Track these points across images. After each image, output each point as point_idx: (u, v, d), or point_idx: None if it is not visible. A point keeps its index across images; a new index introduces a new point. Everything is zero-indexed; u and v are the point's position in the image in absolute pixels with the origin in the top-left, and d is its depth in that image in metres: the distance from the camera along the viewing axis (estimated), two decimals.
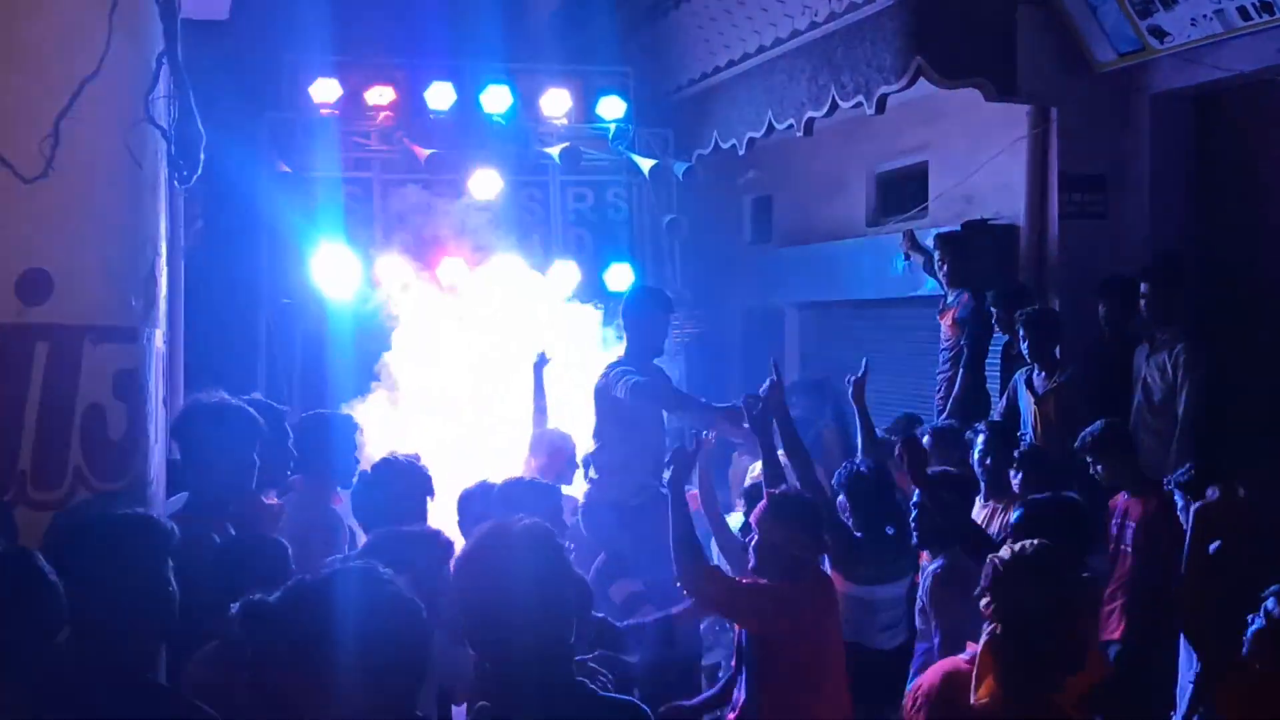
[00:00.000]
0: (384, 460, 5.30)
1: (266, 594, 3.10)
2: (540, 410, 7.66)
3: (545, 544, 3.13)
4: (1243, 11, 6.81)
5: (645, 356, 6.77)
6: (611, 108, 11.05)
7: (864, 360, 6.58)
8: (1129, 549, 6.12)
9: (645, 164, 10.69)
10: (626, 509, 6.51)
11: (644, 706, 3.28)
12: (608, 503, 6.61)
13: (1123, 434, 6.45)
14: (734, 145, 10.48)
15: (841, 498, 5.87)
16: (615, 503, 6.56)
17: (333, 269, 9.73)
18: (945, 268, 8.49)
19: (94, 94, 4.07)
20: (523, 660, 3.04)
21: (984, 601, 3.53)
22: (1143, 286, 7.27)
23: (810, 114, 9.18)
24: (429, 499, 5.18)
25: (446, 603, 3.48)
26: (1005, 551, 3.61)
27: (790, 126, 9.49)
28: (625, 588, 6.25)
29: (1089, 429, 6.34)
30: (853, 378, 6.51)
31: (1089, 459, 6.30)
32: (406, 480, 5.15)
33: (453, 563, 3.38)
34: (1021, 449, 6.45)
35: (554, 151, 10.51)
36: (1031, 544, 3.59)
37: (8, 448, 4.00)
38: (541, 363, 7.75)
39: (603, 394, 6.72)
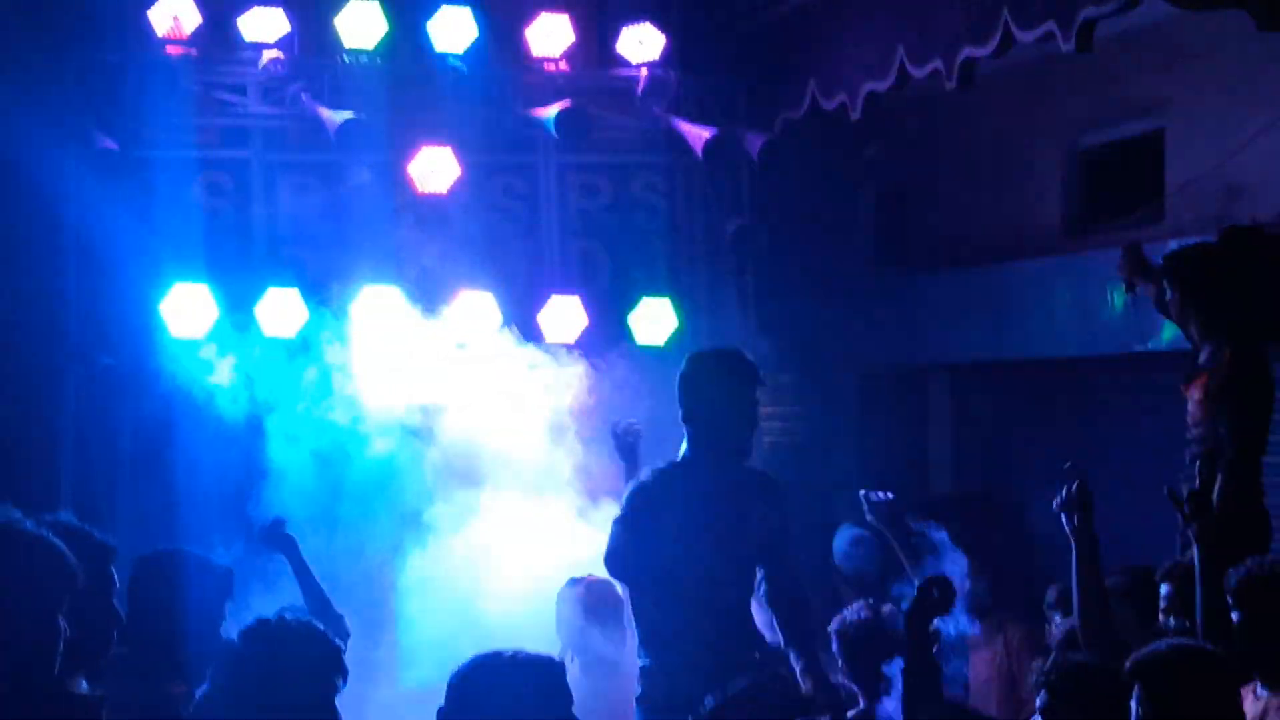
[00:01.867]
0: (260, 623, 5.30)
1: None
2: None
3: None
4: None
5: (719, 459, 7.00)
6: (641, 43, 11.13)
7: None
8: None
9: (698, 136, 10.72)
10: None
11: None
12: None
13: None
14: (843, 105, 10.48)
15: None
16: None
17: (187, 311, 9.84)
18: (1177, 304, 8.44)
19: None
20: None
21: None
22: None
23: (969, 52, 9.17)
24: (338, 684, 5.18)
25: None
26: None
27: (936, 73, 9.48)
28: None
29: None
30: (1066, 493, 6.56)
31: None
32: (296, 655, 5.14)
33: None
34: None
35: (548, 115, 10.56)
36: None
37: None
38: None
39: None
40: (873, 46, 10.10)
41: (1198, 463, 8.24)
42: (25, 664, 4.64)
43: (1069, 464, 6.73)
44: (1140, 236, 9.49)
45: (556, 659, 5.96)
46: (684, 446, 7.14)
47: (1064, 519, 6.72)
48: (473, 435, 9.74)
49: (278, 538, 7.94)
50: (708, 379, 7.08)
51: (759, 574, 7.23)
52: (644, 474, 7.20)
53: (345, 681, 5.23)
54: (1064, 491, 6.76)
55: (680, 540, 6.65)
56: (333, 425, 9.66)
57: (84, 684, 5.44)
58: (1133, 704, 5.33)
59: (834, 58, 10.55)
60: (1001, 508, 10.40)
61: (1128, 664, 5.55)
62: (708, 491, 6.80)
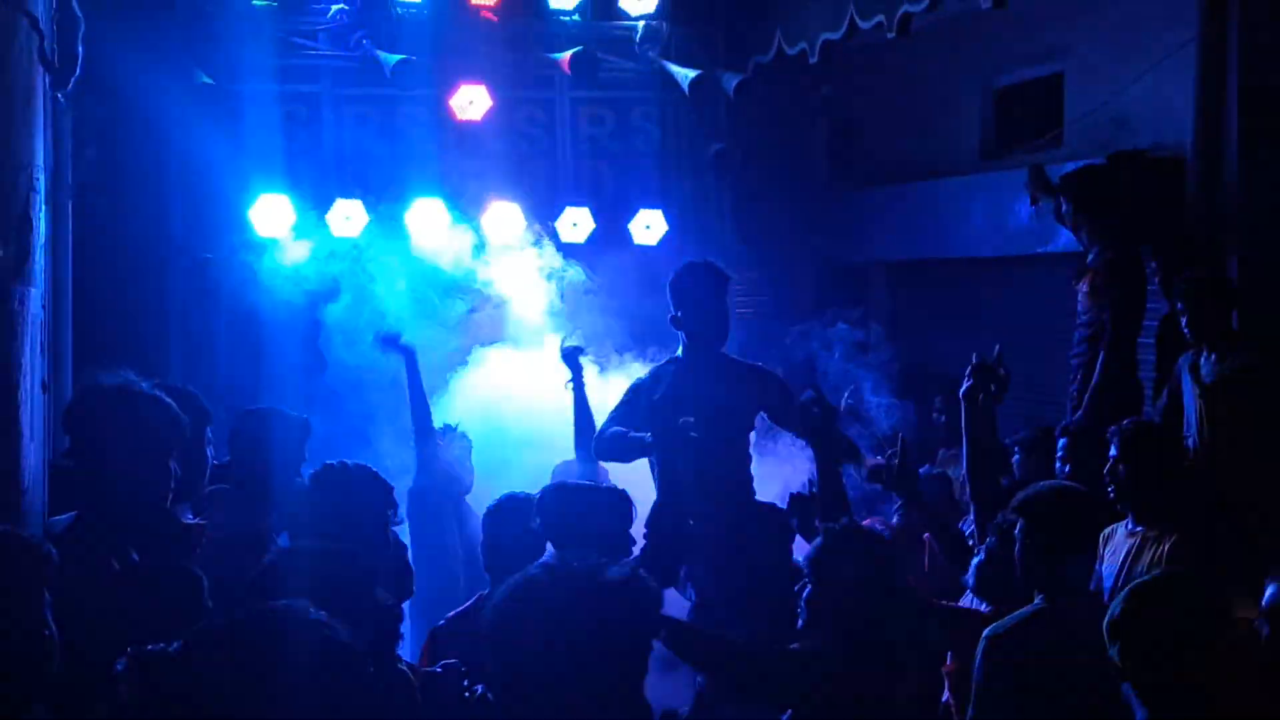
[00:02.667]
0: (326, 467, 5.35)
1: (171, 639, 3.12)
2: (584, 430, 7.89)
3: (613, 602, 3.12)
4: None
5: (708, 353, 7.03)
6: (639, 0, 10.99)
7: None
8: None
9: (684, 76, 10.64)
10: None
11: None
12: None
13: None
14: (804, 51, 10.38)
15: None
16: None
17: (270, 216, 9.87)
18: (1071, 215, 8.43)
19: None
20: None
21: None
22: None
23: (906, 8, 9.07)
24: (390, 515, 5.22)
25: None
26: None
27: (879, 25, 9.38)
28: None
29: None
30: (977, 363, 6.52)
31: None
32: (356, 493, 5.18)
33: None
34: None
35: (563, 59, 10.50)
36: None
37: None
38: (573, 355, 8.03)
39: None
40: (828, 2, 9.99)
41: (1085, 342, 8.29)
42: (143, 498, 4.66)
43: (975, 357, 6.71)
44: (1043, 159, 9.48)
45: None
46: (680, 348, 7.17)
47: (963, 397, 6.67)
48: (502, 317, 9.81)
49: (395, 345, 8.02)
50: (692, 286, 7.06)
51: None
52: (643, 375, 7.24)
53: (396, 513, 5.26)
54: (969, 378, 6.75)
55: (671, 418, 6.66)
56: (386, 310, 9.70)
57: (190, 515, 5.49)
58: (1016, 533, 5.36)
59: (797, 12, 10.44)
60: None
61: (1014, 501, 5.58)
62: (698, 384, 6.83)
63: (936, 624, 5.61)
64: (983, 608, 5.78)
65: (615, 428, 6.96)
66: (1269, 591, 4.38)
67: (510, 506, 5.88)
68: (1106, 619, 4.11)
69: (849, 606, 4.91)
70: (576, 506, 5.61)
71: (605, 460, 7.35)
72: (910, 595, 5.49)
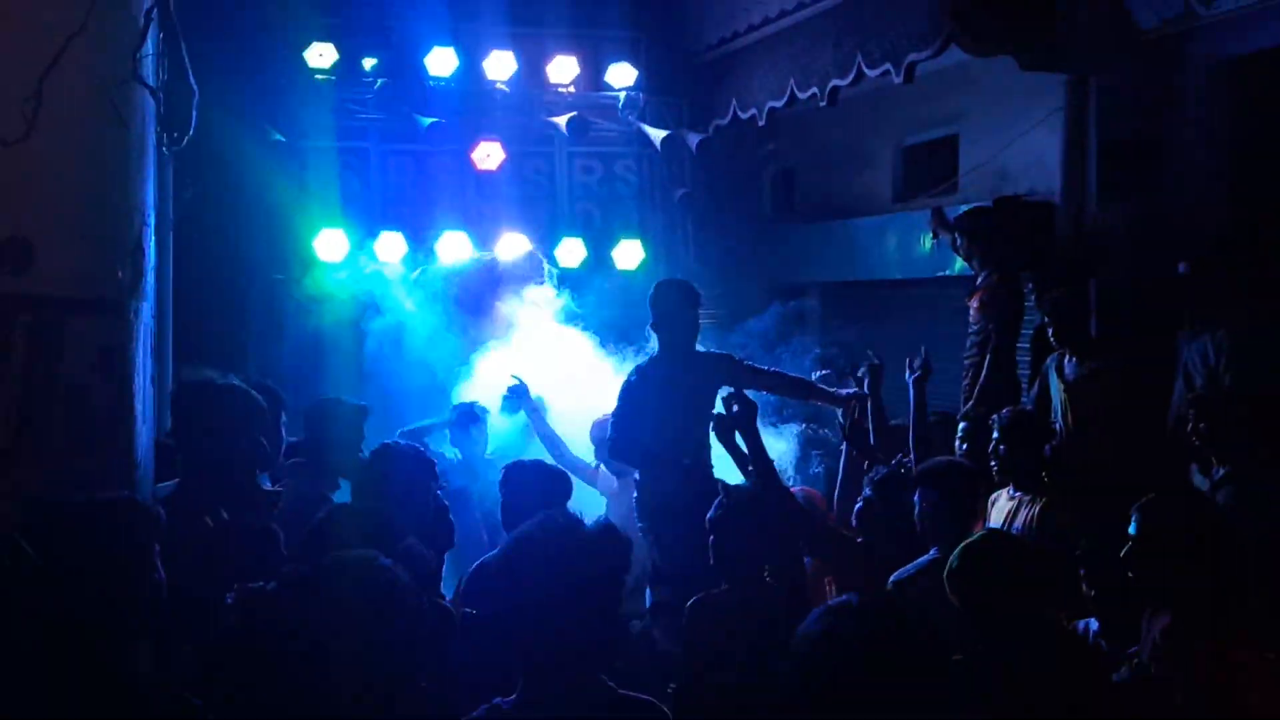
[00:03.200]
0: (382, 445, 5.38)
1: (257, 582, 3.17)
2: (552, 440, 8.03)
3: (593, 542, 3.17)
4: None
5: (677, 354, 7.06)
6: (622, 75, 11.05)
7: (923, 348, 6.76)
8: None
9: (657, 135, 10.69)
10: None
11: (662, 706, 3.32)
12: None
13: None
14: (754, 115, 10.42)
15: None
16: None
17: (329, 245, 9.93)
18: (964, 246, 8.50)
19: (79, 51, 4.07)
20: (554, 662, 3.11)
21: None
22: (1180, 267, 7.23)
23: (835, 82, 9.13)
24: (433, 487, 5.25)
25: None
26: None
27: (813, 96, 9.45)
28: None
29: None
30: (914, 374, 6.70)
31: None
32: (403, 466, 5.21)
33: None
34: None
35: (560, 121, 10.53)
36: None
37: None
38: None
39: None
40: (773, 78, 10.05)
41: (975, 347, 8.36)
42: (232, 469, 4.69)
43: (923, 353, 6.87)
44: (942, 203, 9.53)
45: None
46: (655, 348, 7.23)
47: (909, 382, 6.80)
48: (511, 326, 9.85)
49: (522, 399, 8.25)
50: (666, 300, 7.10)
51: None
52: (631, 373, 7.26)
53: (439, 486, 5.29)
54: (911, 368, 6.85)
55: (656, 412, 6.70)
56: (424, 320, 9.76)
57: (268, 483, 5.52)
58: (915, 499, 5.42)
59: (748, 85, 10.48)
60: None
61: (914, 472, 5.64)
62: (671, 375, 6.88)
63: (823, 546, 5.70)
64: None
65: (629, 437, 6.97)
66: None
67: (519, 473, 5.94)
68: (945, 570, 4.18)
69: (742, 557, 4.99)
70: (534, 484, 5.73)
71: (630, 464, 7.29)
72: (807, 522, 5.57)
